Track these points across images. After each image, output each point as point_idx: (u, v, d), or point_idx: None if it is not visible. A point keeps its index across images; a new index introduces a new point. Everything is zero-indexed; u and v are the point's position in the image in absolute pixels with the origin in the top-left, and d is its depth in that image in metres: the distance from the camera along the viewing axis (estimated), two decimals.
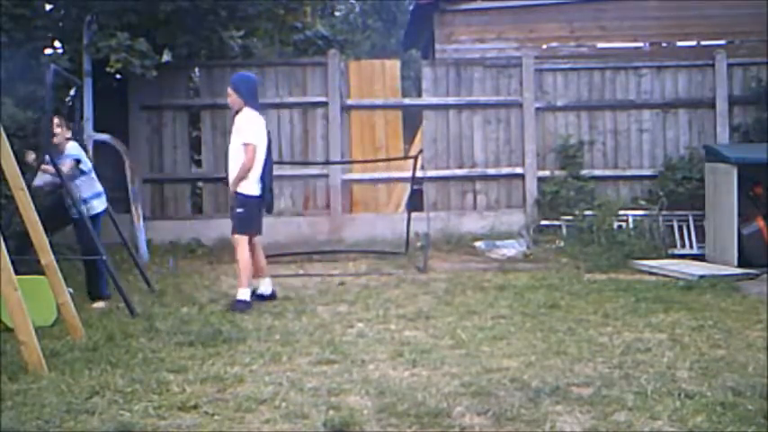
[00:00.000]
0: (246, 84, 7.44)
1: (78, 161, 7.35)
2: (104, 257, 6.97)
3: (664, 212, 10.58)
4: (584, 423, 4.05)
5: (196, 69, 11.94)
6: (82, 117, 9.60)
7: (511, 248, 10.26)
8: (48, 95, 6.87)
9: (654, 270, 9.13)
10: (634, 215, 10.63)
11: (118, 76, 10.66)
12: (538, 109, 11.31)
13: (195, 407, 4.27)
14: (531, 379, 4.75)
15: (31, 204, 5.67)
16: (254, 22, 11.27)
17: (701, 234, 10.49)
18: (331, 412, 4.17)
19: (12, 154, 5.49)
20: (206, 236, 10.53)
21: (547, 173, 11.22)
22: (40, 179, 7.19)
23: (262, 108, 7.57)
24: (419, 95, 11.64)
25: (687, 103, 11.40)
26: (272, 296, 7.47)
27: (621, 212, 10.64)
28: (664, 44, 12.80)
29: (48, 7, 10.34)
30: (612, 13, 12.50)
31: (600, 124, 11.43)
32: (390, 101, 11.49)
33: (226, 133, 9.66)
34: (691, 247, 10.53)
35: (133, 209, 9.87)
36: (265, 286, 7.49)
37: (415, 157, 10.49)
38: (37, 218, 5.68)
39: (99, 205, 7.53)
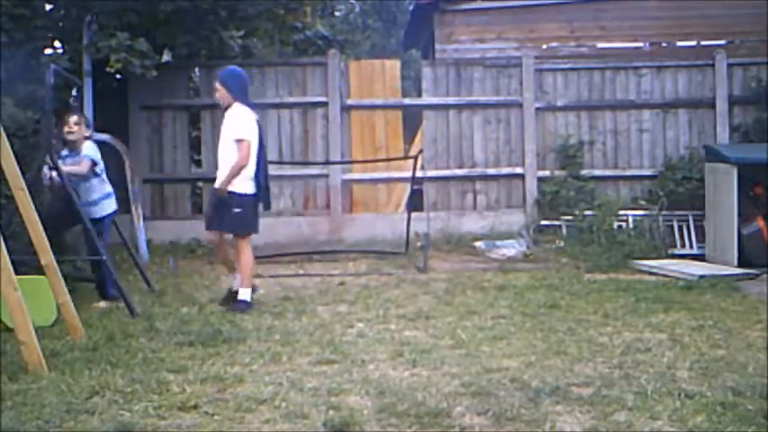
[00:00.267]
0: (235, 79, 7.23)
1: (95, 163, 7.38)
2: (105, 258, 6.97)
3: (664, 212, 10.58)
4: (584, 423, 4.05)
5: (196, 69, 11.94)
6: None
7: (511, 248, 10.25)
8: (48, 95, 6.86)
9: (654, 270, 9.12)
10: (634, 215, 10.62)
11: (118, 76, 10.65)
12: (538, 109, 11.31)
13: (195, 407, 4.27)
14: (531, 379, 4.74)
15: (32, 204, 5.67)
16: (254, 22, 11.27)
17: (700, 234, 10.49)
18: (331, 412, 4.17)
19: (12, 154, 5.48)
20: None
21: (547, 173, 11.22)
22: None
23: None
24: (419, 95, 11.63)
25: (687, 103, 11.40)
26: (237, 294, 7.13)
27: (621, 212, 10.63)
28: (664, 44, 12.80)
29: (48, 7, 10.33)
30: (612, 13, 12.50)
31: (600, 124, 11.43)
32: (390, 101, 11.48)
33: None
34: (691, 247, 10.53)
35: (133, 209, 9.87)
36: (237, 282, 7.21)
37: (415, 157, 10.48)
38: (37, 218, 5.68)
39: (109, 206, 7.61)
